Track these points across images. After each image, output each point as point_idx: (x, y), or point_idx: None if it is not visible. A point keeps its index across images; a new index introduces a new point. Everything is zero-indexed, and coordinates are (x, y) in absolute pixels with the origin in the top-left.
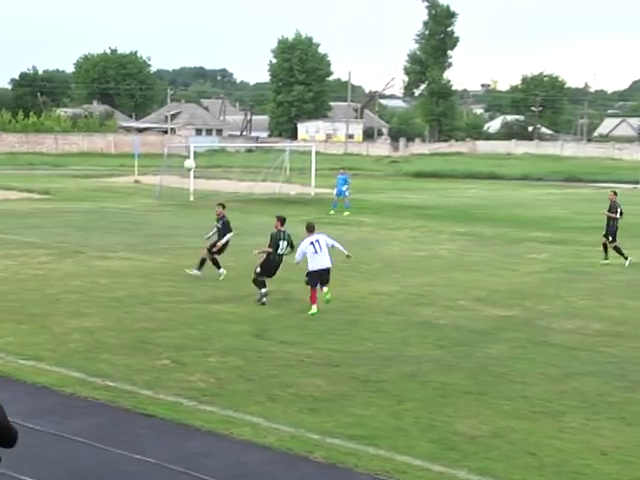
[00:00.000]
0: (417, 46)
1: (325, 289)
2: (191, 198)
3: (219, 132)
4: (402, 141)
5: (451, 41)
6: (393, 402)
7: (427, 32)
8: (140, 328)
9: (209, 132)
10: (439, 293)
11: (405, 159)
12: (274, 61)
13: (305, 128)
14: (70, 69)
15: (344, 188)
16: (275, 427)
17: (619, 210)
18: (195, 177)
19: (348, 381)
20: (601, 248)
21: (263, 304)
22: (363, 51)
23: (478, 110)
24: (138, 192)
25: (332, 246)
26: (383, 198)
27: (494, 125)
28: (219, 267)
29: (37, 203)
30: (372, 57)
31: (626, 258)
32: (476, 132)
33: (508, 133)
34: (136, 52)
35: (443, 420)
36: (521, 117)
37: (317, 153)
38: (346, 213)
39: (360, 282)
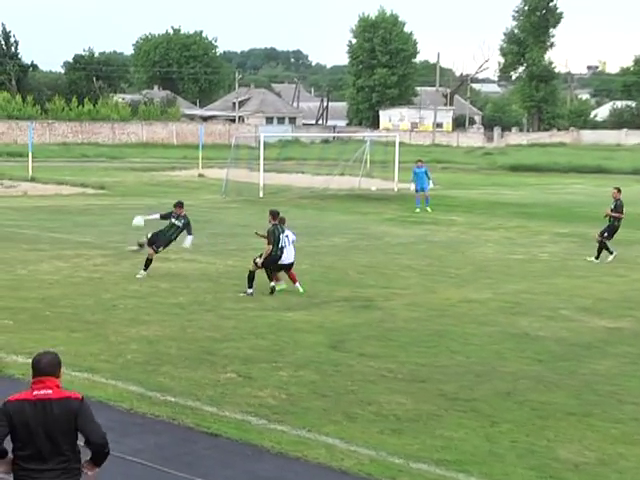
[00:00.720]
0: (515, 23)
1: (298, 285)
2: (261, 194)
3: (292, 120)
4: (497, 130)
5: (554, 18)
6: (486, 423)
7: (526, 7)
8: (204, 338)
9: (281, 120)
10: (538, 301)
11: (500, 150)
12: (354, 41)
13: (388, 116)
14: (129, 51)
15: (429, 182)
16: (353, 449)
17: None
18: (265, 170)
19: (435, 399)
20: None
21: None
22: (453, 30)
23: (584, 95)
24: (202, 187)
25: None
26: (475, 194)
27: (602, 112)
28: (147, 267)
29: (92, 199)
30: (463, 36)
31: (611, 253)
32: (581, 120)
33: (618, 121)
34: (201, 32)
35: (543, 445)
36: (633, 103)
37: (401, 144)
38: (428, 209)
39: (449, 288)
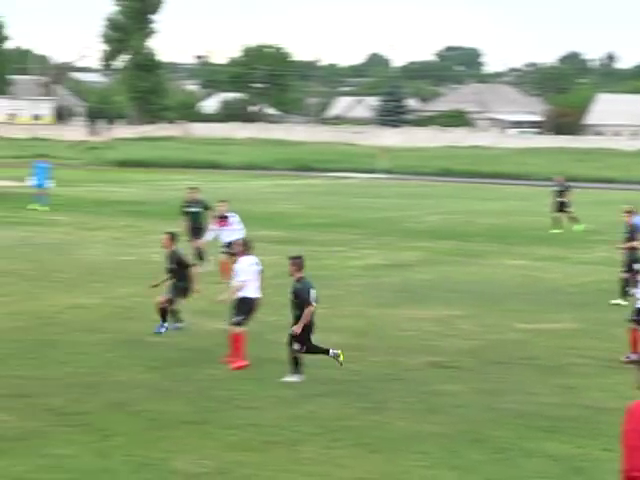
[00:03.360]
0: (117, 9)
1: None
2: None
3: None
4: (102, 123)
5: (152, 3)
6: (99, 438)
7: None
8: None
9: None
10: (152, 305)
11: (107, 144)
12: None
13: None
14: None
15: (49, 180)
16: None
17: None
18: None
19: (42, 414)
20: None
21: None
22: (50, 14)
23: (192, 86)
24: None
25: None
26: (81, 192)
27: (211, 104)
28: None
29: None
30: (62, 22)
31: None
32: (190, 112)
33: (228, 114)
34: None
35: (159, 457)
36: (243, 95)
37: None
38: (44, 208)
39: (56, 294)
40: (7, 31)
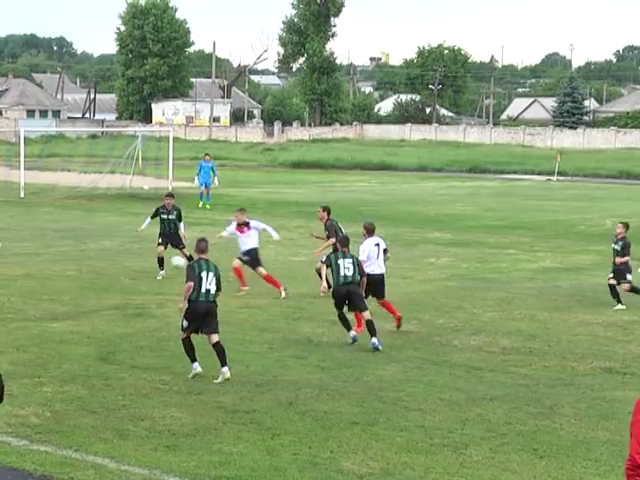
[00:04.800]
0: (294, 12)
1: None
2: (22, 194)
3: (56, 114)
4: (277, 125)
5: (335, 6)
6: (267, 436)
7: None
8: None
9: (44, 114)
10: (322, 305)
11: (281, 146)
12: (122, 29)
13: (161, 109)
14: None
15: (215, 179)
16: (125, 469)
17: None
18: (26, 169)
19: (213, 412)
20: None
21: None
22: (230, 17)
23: (367, 88)
24: None
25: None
26: (256, 193)
27: (386, 106)
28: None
29: None
30: (241, 25)
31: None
32: (365, 114)
33: (402, 116)
34: None
35: (326, 456)
36: (417, 97)
37: (176, 139)
38: (207, 206)
39: (228, 294)
40: (191, 36)
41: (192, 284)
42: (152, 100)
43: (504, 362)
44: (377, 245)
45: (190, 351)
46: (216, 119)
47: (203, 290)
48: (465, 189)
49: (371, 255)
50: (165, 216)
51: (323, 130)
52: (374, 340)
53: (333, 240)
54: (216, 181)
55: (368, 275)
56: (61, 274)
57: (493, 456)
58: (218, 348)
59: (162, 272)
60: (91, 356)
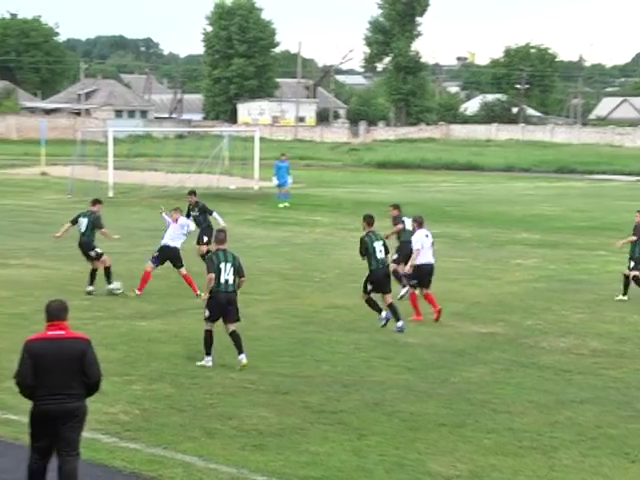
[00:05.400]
0: (380, 12)
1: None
2: (110, 193)
3: (143, 114)
4: (363, 125)
5: (420, 6)
6: (354, 436)
7: None
8: None
9: (131, 114)
10: (409, 306)
11: (366, 146)
12: (209, 29)
13: (247, 109)
14: None
15: (289, 178)
16: (213, 468)
17: None
18: (115, 168)
19: (300, 412)
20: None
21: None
22: (315, 18)
23: (453, 88)
24: (46, 186)
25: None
26: (341, 193)
27: (472, 106)
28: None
29: None
30: (326, 25)
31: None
32: (450, 114)
33: (488, 115)
34: (40, 17)
35: (413, 458)
36: (504, 96)
37: (262, 139)
38: (284, 205)
39: (314, 293)
40: (277, 37)
41: (213, 275)
42: (238, 100)
43: (594, 364)
44: (427, 236)
45: (209, 343)
46: (302, 119)
47: (222, 281)
48: (553, 189)
49: (424, 245)
50: (192, 213)
51: (409, 130)
52: (400, 323)
53: (401, 227)
54: (290, 180)
55: (421, 265)
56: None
57: (583, 460)
58: (234, 337)
59: None
60: (179, 355)
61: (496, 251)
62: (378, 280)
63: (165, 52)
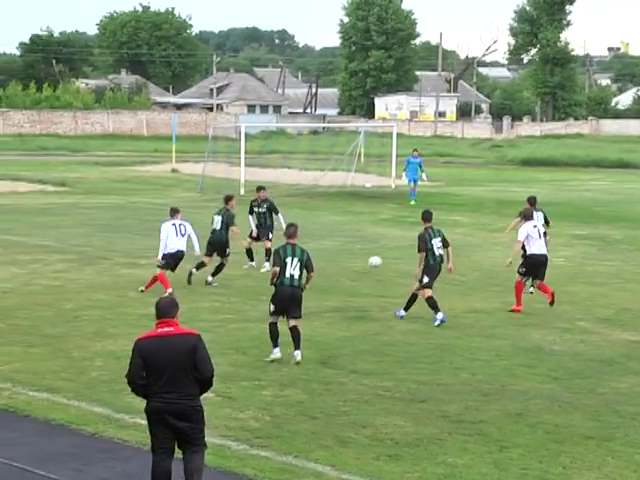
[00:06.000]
0: (526, 0)
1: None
2: (242, 191)
3: (277, 109)
4: (506, 120)
5: None
6: (494, 448)
7: None
8: None
9: (264, 109)
10: (553, 312)
11: (510, 143)
12: (346, 20)
13: (384, 104)
14: (92, 31)
15: (422, 175)
16: (345, 478)
17: None
18: (247, 165)
19: (437, 421)
20: None
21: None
22: (458, 8)
23: (604, 81)
24: (176, 184)
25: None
26: (482, 192)
27: (624, 99)
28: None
29: (51, 197)
30: (469, 15)
31: None
32: (601, 109)
33: None
34: (172, 10)
35: (558, 472)
36: None
37: (399, 135)
38: (412, 202)
39: (453, 297)
40: (417, 28)
41: (277, 269)
42: (375, 94)
43: None
44: (535, 227)
45: (275, 336)
46: (441, 114)
47: (287, 275)
48: None
49: (532, 236)
50: (257, 209)
51: (555, 125)
52: (440, 315)
53: (518, 220)
54: (424, 177)
55: (533, 255)
56: None
57: None
58: (294, 332)
59: (252, 263)
60: (311, 359)
61: None
62: (435, 273)
63: (300, 44)
